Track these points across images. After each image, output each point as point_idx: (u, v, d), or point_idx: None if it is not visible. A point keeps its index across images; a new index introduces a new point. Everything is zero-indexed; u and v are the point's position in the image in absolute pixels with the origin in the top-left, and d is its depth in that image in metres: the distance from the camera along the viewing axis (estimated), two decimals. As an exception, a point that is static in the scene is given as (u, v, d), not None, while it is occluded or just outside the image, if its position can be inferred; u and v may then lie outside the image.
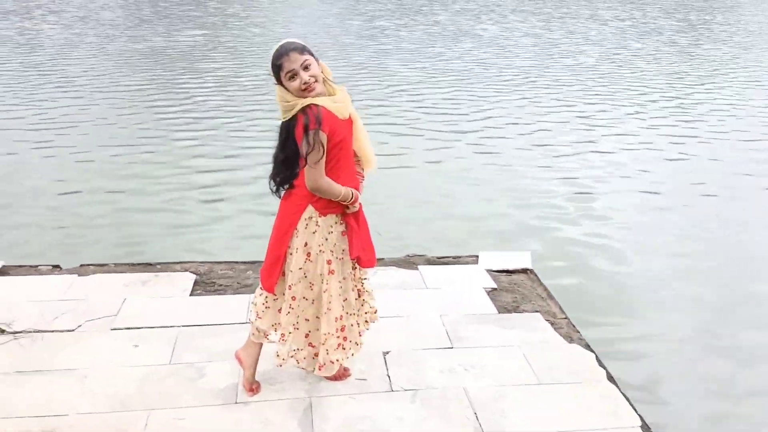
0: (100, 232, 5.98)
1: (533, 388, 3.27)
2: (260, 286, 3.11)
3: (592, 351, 3.63)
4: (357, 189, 3.00)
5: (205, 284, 4.25)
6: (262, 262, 3.09)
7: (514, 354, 3.55)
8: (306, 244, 2.96)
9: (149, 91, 11.38)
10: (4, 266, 4.41)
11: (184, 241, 5.83)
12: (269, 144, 2.96)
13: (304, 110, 2.79)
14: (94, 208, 6.47)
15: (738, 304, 5.08)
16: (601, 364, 3.50)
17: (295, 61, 2.79)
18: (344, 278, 3.06)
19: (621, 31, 20.68)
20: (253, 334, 3.14)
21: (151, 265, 4.58)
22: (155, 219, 6.29)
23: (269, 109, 9.84)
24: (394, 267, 4.56)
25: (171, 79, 12.41)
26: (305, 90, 2.81)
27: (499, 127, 9.71)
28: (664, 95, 12.08)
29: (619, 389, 3.31)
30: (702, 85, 13.11)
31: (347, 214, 2.99)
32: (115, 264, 4.58)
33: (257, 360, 3.18)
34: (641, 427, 3.05)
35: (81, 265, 4.56)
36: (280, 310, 3.08)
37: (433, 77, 13.21)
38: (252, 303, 3.24)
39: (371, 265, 3.13)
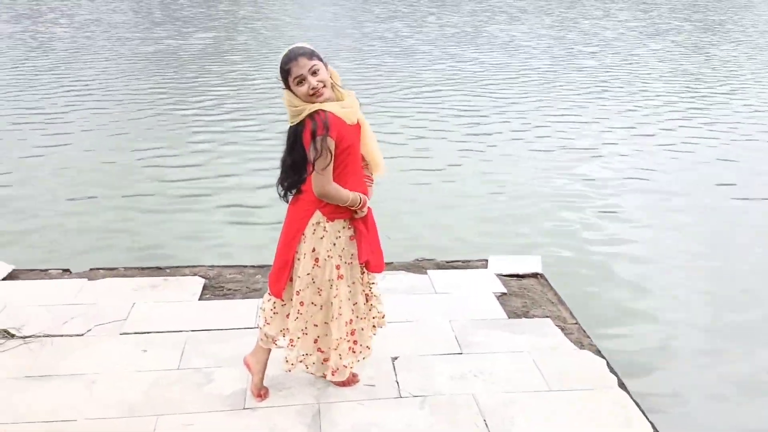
0: (111, 236, 5.99)
1: (543, 395, 3.24)
2: (268, 291, 3.11)
3: (603, 357, 3.60)
4: (365, 193, 2.99)
5: (214, 288, 4.25)
6: (270, 266, 3.09)
7: (524, 360, 3.53)
8: (314, 250, 2.95)
9: (161, 95, 11.41)
10: (14, 270, 4.43)
11: (196, 246, 5.82)
12: (282, 148, 2.95)
13: (311, 116, 2.78)
14: (105, 213, 6.48)
15: (756, 312, 4.98)
16: (612, 371, 3.47)
17: (303, 66, 2.78)
18: (353, 282, 3.05)
19: (635, 32, 20.56)
20: (262, 339, 3.14)
21: (160, 269, 4.59)
22: (166, 224, 6.29)
23: (282, 112, 9.81)
24: (403, 271, 4.54)
25: (183, 83, 12.45)
26: (313, 95, 2.80)
27: (512, 130, 9.62)
28: (681, 97, 11.95)
29: (631, 396, 3.27)
30: (720, 86, 12.97)
31: (356, 218, 2.98)
32: (124, 268, 4.59)
33: (266, 365, 3.17)
34: (653, 435, 3.02)
35: (91, 269, 4.57)
36: (288, 316, 3.08)
37: (446, 79, 13.17)
38: (260, 308, 3.24)
39: (379, 270, 3.12)
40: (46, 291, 4.14)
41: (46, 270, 4.52)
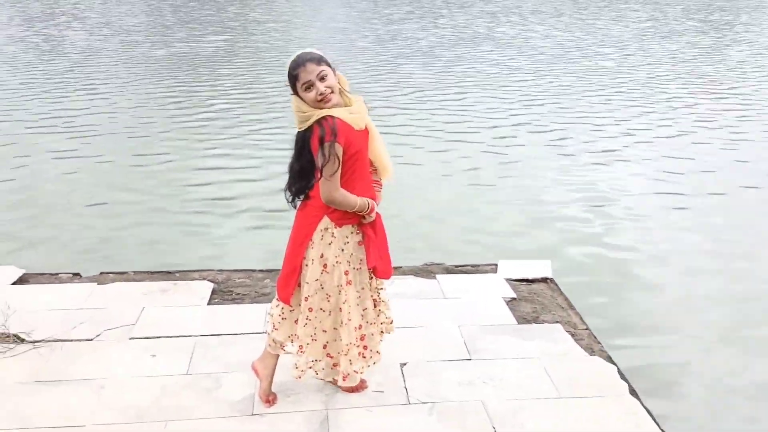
0: (120, 241, 6.01)
1: (553, 402, 3.21)
2: (276, 296, 3.10)
3: (614, 363, 3.56)
4: (373, 198, 2.98)
5: (223, 293, 4.25)
6: (279, 270, 3.08)
7: (534, 366, 3.50)
8: (322, 256, 2.94)
9: (173, 99, 11.45)
10: (25, 274, 4.45)
11: (205, 252, 5.83)
12: (291, 154, 2.94)
13: (319, 122, 2.78)
14: (115, 217, 6.51)
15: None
16: (623, 378, 3.44)
17: (311, 71, 2.78)
18: (362, 288, 3.04)
19: (643, 33, 20.45)
20: (270, 345, 3.13)
21: (169, 273, 4.60)
22: (176, 229, 6.31)
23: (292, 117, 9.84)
24: (412, 276, 4.52)
25: (194, 86, 12.49)
26: (321, 101, 2.79)
27: (521, 134, 9.58)
28: (698, 98, 11.86)
29: (642, 404, 3.24)
30: (732, 88, 12.87)
31: (364, 223, 2.97)
32: (134, 272, 4.60)
33: (274, 371, 3.17)
34: (664, 443, 2.99)
35: (101, 273, 4.59)
36: (296, 321, 3.07)
37: (453, 81, 13.16)
38: (268, 314, 3.23)
39: (387, 276, 3.11)
40: (56, 295, 4.15)
41: (57, 274, 4.54)
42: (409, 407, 3.16)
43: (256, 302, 4.13)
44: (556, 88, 12.66)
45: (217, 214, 6.65)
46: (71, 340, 3.63)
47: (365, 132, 2.92)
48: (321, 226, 2.92)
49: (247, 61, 15.16)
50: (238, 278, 4.47)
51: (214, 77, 13.31)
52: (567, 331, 3.85)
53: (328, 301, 2.99)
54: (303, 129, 2.85)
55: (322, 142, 2.75)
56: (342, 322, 3.01)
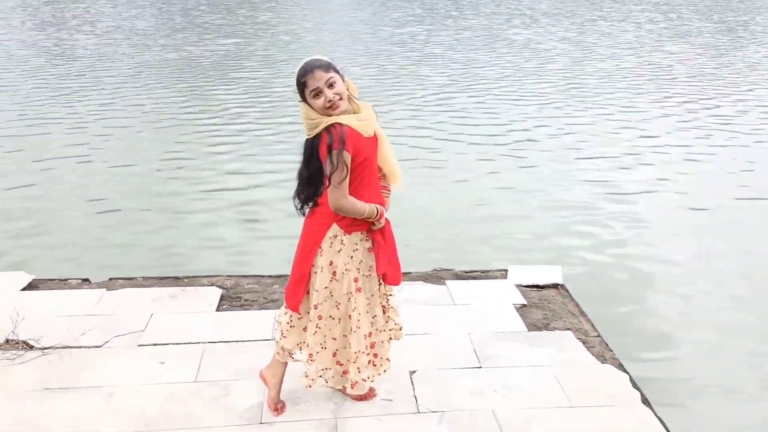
0: (131, 246, 6.01)
1: (564, 411, 3.18)
2: (285, 304, 3.08)
3: (626, 372, 3.52)
4: (382, 204, 2.96)
5: (232, 299, 4.24)
6: (288, 275, 3.06)
7: (545, 374, 3.46)
8: (331, 263, 2.92)
9: (184, 103, 11.45)
10: (34, 280, 4.46)
11: (214, 256, 5.82)
12: (300, 160, 2.92)
13: (328, 129, 2.76)
14: (125, 222, 6.51)
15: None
16: (635, 386, 3.39)
17: (319, 78, 2.76)
18: (372, 295, 3.02)
19: (656, 34, 20.32)
20: (278, 353, 3.12)
21: (178, 278, 4.60)
22: (186, 233, 6.30)
23: (301, 122, 9.81)
24: (421, 282, 4.49)
25: (205, 90, 12.50)
26: (330, 108, 2.78)
27: (534, 139, 9.47)
28: (705, 104, 11.73)
29: (655, 413, 3.20)
30: (747, 91, 12.73)
31: (373, 230, 2.95)
32: (143, 278, 4.60)
33: (282, 379, 3.15)
34: (677, 453, 2.95)
35: (110, 279, 4.59)
36: (305, 329, 3.05)
37: (466, 84, 13.11)
38: (276, 321, 3.22)
39: (396, 283, 3.09)
40: (65, 301, 4.15)
41: (66, 280, 4.54)
42: (418, 416, 3.13)
43: (265, 308, 4.11)
44: (568, 90, 12.58)
45: (223, 219, 6.62)
46: (80, 347, 3.62)
47: (374, 139, 2.90)
48: (330, 233, 2.90)
49: (258, 65, 15.17)
50: (247, 284, 4.46)
51: (226, 81, 13.32)
52: (578, 339, 3.81)
53: (338, 308, 2.97)
54: (311, 136, 2.83)
55: (330, 149, 2.73)
56: (351, 330, 2.99)
